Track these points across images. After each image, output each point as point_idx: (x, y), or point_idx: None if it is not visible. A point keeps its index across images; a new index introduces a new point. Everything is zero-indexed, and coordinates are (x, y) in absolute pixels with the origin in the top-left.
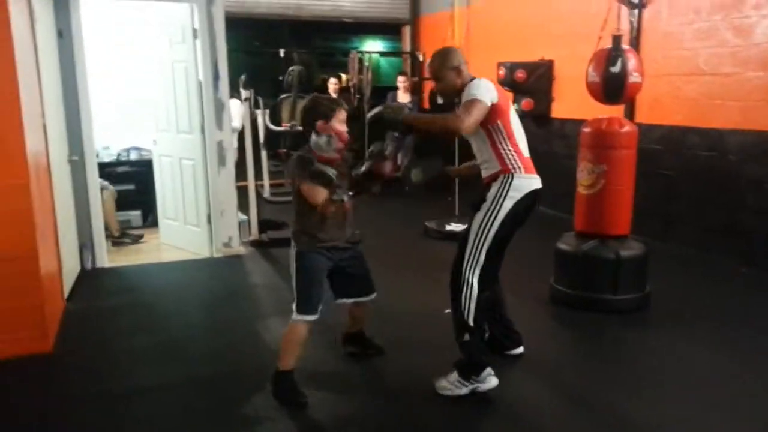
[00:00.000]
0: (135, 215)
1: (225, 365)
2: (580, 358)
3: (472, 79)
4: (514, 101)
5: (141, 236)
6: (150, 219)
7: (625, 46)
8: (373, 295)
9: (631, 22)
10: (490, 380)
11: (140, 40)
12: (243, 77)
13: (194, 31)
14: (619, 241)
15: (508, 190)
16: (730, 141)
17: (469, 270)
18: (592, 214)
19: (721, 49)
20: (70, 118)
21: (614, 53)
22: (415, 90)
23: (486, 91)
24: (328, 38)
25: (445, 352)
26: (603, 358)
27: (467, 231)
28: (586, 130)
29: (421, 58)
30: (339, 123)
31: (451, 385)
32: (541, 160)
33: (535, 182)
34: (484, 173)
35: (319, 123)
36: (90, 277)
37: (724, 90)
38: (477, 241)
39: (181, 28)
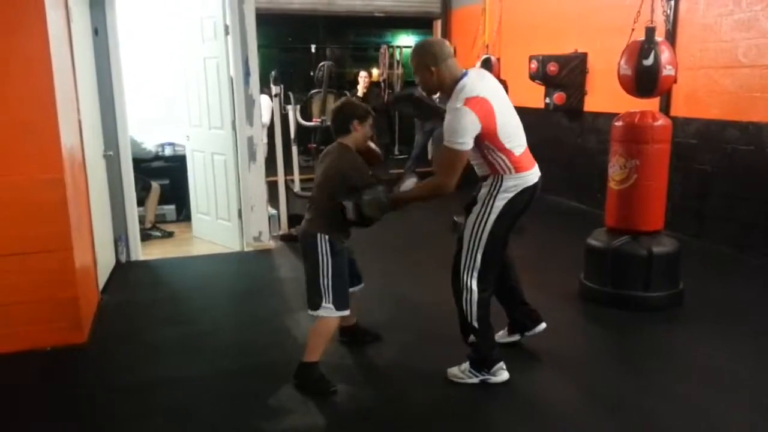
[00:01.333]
0: (169, 209)
1: (253, 358)
2: (610, 356)
3: (458, 79)
4: (546, 95)
5: (172, 233)
6: (184, 213)
7: (658, 38)
8: (363, 284)
9: (667, 14)
10: (501, 374)
11: (173, 36)
12: (273, 73)
13: (226, 27)
14: (651, 237)
15: (498, 192)
16: None
17: (467, 274)
18: (624, 210)
19: (762, 41)
20: (105, 115)
21: (647, 46)
22: None
23: (465, 134)
24: (361, 33)
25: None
26: (633, 357)
27: (462, 233)
28: (618, 123)
29: None
30: (369, 127)
31: (462, 374)
32: (573, 155)
33: (528, 179)
34: (477, 171)
35: (355, 123)
36: (124, 270)
37: (763, 82)
38: (472, 245)
39: (213, 25)
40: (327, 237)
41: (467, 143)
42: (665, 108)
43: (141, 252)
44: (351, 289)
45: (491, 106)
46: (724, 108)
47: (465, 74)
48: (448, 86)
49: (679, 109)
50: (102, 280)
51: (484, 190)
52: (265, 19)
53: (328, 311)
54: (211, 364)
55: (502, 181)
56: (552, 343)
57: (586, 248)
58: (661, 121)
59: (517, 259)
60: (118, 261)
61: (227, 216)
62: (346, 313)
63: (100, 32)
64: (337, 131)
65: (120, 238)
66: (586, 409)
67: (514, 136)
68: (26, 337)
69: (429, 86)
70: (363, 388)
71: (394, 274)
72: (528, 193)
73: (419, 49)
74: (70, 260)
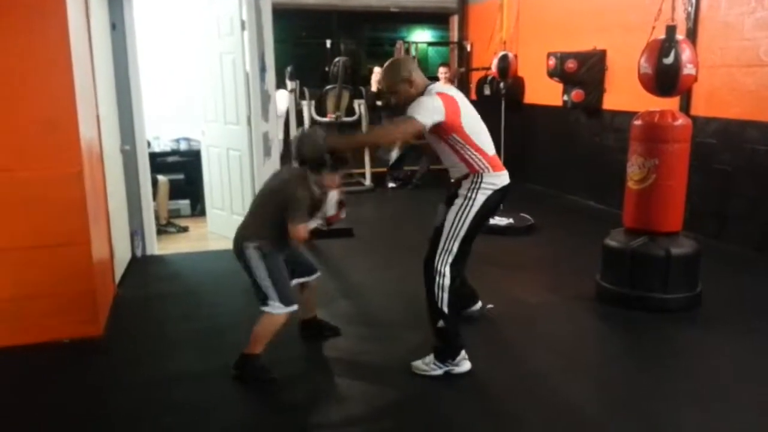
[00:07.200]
0: (184, 204)
1: (267, 354)
2: (626, 358)
3: (427, 85)
4: (564, 92)
5: (186, 228)
6: (198, 208)
7: (679, 36)
8: (318, 274)
9: (688, 12)
10: (464, 364)
11: (190, 31)
12: (289, 69)
13: (242, 22)
14: (669, 238)
15: (479, 187)
16: None
17: (441, 261)
18: (643, 210)
19: None
20: (122, 109)
21: (667, 44)
22: (462, 81)
23: (426, 112)
24: (377, 28)
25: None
26: (650, 359)
27: (441, 224)
28: (638, 122)
29: (468, 48)
30: (332, 178)
31: (426, 366)
32: (591, 154)
33: (504, 179)
34: (453, 175)
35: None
36: (140, 264)
37: None
38: (451, 234)
39: (230, 20)
40: (254, 245)
41: (423, 119)
42: (685, 107)
43: (156, 246)
44: (305, 279)
45: (457, 102)
46: (745, 107)
47: (432, 82)
48: (420, 93)
49: (699, 109)
50: (118, 273)
51: (466, 186)
52: (280, 14)
53: (276, 308)
54: (226, 360)
55: (482, 177)
56: (568, 345)
57: (604, 248)
58: (681, 120)
59: (533, 259)
60: (133, 255)
61: (242, 211)
62: (294, 308)
63: (117, 27)
64: (310, 165)
65: (136, 233)
66: (603, 411)
67: (482, 136)
68: (45, 329)
69: (407, 97)
70: (377, 387)
71: (407, 272)
72: (501, 192)
73: (393, 67)
74: (87, 254)
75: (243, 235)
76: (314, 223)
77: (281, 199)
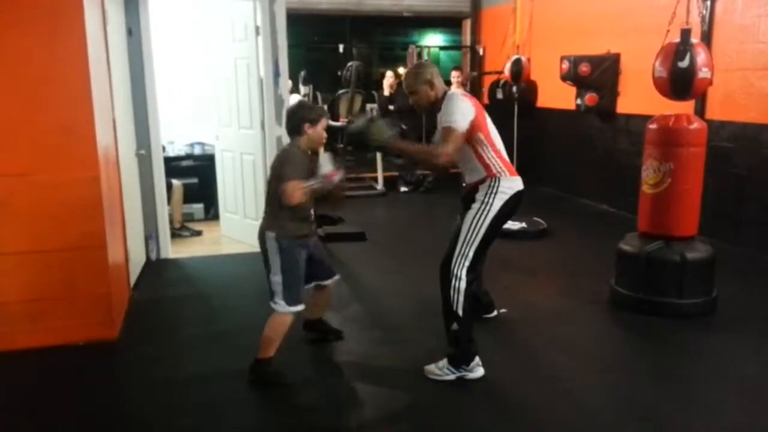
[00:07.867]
0: (198, 208)
1: (278, 355)
2: (641, 364)
3: (446, 92)
4: (578, 96)
5: (200, 232)
6: (212, 212)
7: (694, 39)
8: (336, 277)
9: (703, 15)
10: (478, 370)
11: (204, 37)
12: (303, 73)
13: (256, 28)
14: (685, 242)
15: (497, 192)
16: None
17: (458, 265)
18: (658, 214)
19: None
20: (138, 114)
21: (682, 48)
22: (474, 84)
23: (461, 115)
24: (389, 32)
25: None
26: (665, 365)
27: (458, 229)
28: (653, 126)
29: (481, 52)
30: (322, 128)
31: (439, 370)
32: (604, 158)
33: (519, 183)
34: (469, 179)
35: (307, 125)
36: (154, 268)
37: None
38: (468, 239)
39: (244, 26)
40: (273, 235)
41: (461, 123)
42: (700, 111)
43: (171, 250)
44: (324, 283)
45: (480, 105)
46: (760, 111)
47: (448, 88)
48: (440, 98)
49: (714, 112)
50: (133, 277)
51: (483, 191)
52: (293, 19)
53: (280, 307)
54: (239, 363)
55: (499, 182)
56: (582, 349)
57: (618, 253)
58: (696, 124)
59: (547, 263)
60: (148, 258)
61: (255, 215)
62: (299, 308)
63: (133, 32)
64: (290, 132)
65: (150, 236)
66: (617, 416)
67: (500, 144)
68: (60, 331)
69: (428, 98)
70: (394, 391)
71: (420, 276)
72: (517, 197)
73: (417, 70)
74: (103, 257)
75: (263, 226)
76: (314, 183)
77: (278, 173)
